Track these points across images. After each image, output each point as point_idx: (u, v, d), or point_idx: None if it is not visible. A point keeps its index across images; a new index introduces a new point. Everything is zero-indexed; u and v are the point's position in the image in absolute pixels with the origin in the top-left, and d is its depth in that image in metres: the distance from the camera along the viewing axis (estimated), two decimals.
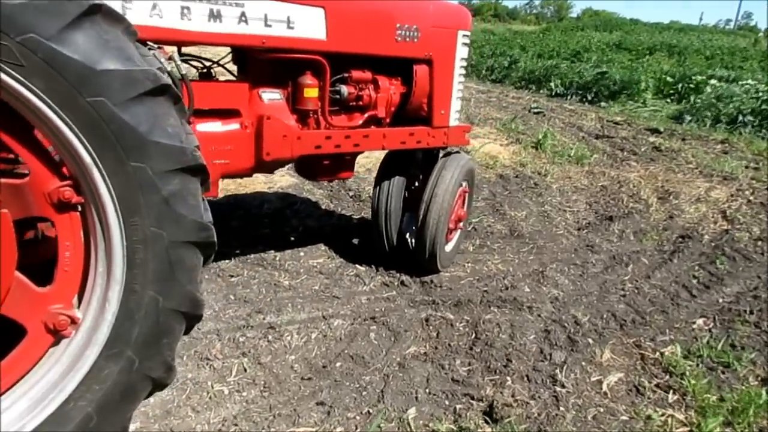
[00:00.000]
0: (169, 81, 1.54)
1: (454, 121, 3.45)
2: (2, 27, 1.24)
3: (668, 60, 18.50)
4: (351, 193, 5.09)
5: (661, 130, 9.53)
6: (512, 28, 39.46)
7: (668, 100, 12.93)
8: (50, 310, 1.61)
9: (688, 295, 3.73)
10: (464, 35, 3.33)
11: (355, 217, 4.59)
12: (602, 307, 3.43)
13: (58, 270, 1.62)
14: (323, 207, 4.68)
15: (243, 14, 2.46)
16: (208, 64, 2.89)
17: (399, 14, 2.96)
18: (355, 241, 4.04)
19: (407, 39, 3.03)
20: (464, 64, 3.42)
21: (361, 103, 3.05)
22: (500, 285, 3.58)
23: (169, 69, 2.30)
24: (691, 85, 12.71)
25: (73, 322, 1.62)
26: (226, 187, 4.76)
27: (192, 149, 1.60)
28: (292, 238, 3.98)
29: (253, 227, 4.08)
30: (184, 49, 2.83)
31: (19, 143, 1.46)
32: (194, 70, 2.89)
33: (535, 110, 10.95)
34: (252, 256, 3.62)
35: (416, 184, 3.64)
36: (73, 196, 1.54)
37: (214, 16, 2.39)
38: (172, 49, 2.41)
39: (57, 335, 1.62)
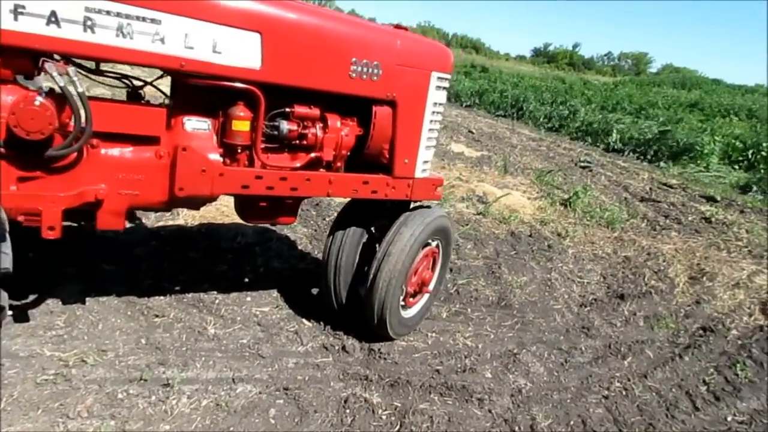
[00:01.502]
0: None
1: (422, 172, 3.05)
2: None
3: (743, 124, 17.26)
4: None
5: (718, 198, 8.70)
6: (585, 78, 38.57)
7: (735, 167, 11.94)
8: None
9: (690, 407, 3.11)
10: (440, 77, 2.94)
11: None
12: (573, 410, 2.87)
13: None
14: (299, 247, 4.34)
15: (158, 32, 2.19)
16: (138, 83, 2.64)
17: (355, 47, 2.62)
18: (315, 291, 3.66)
19: (364, 76, 2.67)
20: (439, 109, 3.03)
21: (304, 142, 2.70)
22: (458, 365, 3.09)
23: (62, 84, 2.08)
24: (763, 153, 11.68)
25: None
26: (205, 214, 4.52)
27: None
28: (246, 279, 3.65)
29: (210, 262, 3.78)
30: (121, 67, 2.61)
31: None
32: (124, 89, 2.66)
33: (583, 164, 10.32)
34: (190, 295, 3.30)
35: (371, 238, 3.25)
36: None
37: (123, 31, 2.14)
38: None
39: None
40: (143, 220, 4.18)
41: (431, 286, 3.35)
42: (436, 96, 2.96)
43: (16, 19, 1.95)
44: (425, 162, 3.06)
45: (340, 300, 3.21)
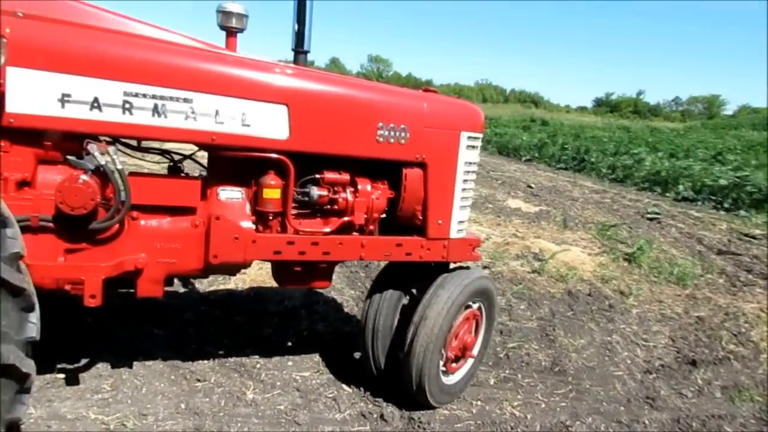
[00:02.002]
0: None
1: (457, 232, 3.01)
2: None
3: None
4: None
5: None
6: (652, 125, 37.39)
7: None
8: None
9: None
10: (471, 137, 2.94)
11: None
12: None
13: None
14: (345, 309, 4.33)
15: (191, 109, 2.34)
16: (177, 158, 2.80)
17: (381, 113, 2.68)
18: (357, 355, 3.61)
19: (392, 140, 2.72)
20: (472, 168, 3.01)
21: (335, 207, 2.75)
22: None
23: (102, 163, 2.24)
24: None
25: None
26: (255, 277, 4.63)
27: None
28: (289, 343, 3.66)
29: (256, 326, 3.83)
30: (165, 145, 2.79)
31: None
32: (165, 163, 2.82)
33: (650, 216, 9.85)
34: (233, 359, 3.35)
35: (410, 301, 3.19)
36: None
37: (158, 111, 2.30)
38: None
39: None
40: (196, 285, 4.33)
41: (474, 351, 3.22)
42: (468, 155, 2.95)
43: (63, 106, 2.14)
44: (460, 222, 3.01)
45: (379, 365, 3.15)
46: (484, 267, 5.62)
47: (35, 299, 1.64)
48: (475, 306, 3.17)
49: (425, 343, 2.83)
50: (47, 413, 2.66)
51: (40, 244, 2.21)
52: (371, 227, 2.87)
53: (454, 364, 3.13)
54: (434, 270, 3.07)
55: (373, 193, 2.80)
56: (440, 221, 2.93)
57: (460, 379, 3.22)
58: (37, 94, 2.11)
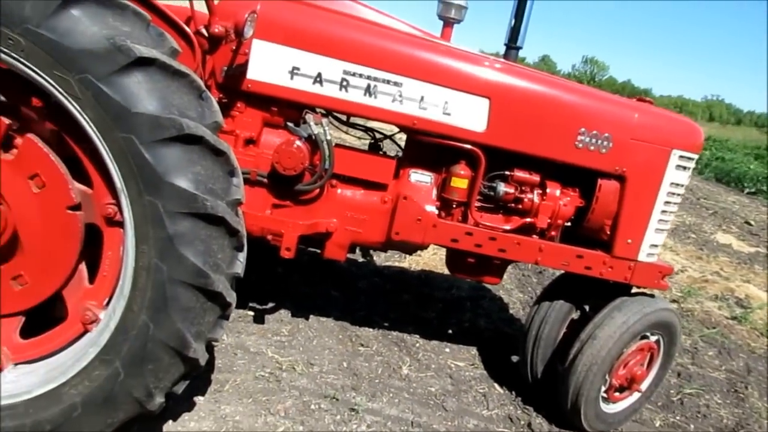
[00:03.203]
0: (201, 133, 1.65)
1: (647, 256, 2.77)
2: (66, 66, 1.53)
3: None
4: None
5: None
6: None
7: None
8: (86, 304, 1.86)
9: None
10: (683, 156, 2.67)
11: None
12: None
13: (99, 273, 1.88)
14: (510, 311, 4.27)
15: (399, 93, 2.49)
16: (378, 136, 3.00)
17: (585, 118, 2.57)
18: (515, 358, 3.55)
19: (591, 147, 2.59)
20: (678, 191, 2.74)
21: (520, 206, 2.72)
22: None
23: (316, 132, 2.51)
24: None
25: (95, 320, 1.85)
26: (429, 261, 4.78)
27: (212, 200, 1.67)
28: (450, 331, 3.73)
29: (420, 307, 3.97)
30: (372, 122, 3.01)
31: (89, 161, 1.76)
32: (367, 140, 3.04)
33: None
34: (395, 333, 3.52)
35: (581, 316, 3.03)
36: (116, 214, 1.78)
37: (370, 91, 2.49)
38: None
39: (83, 327, 1.86)
40: (373, 258, 4.61)
41: (643, 386, 2.96)
42: (676, 176, 2.69)
43: (291, 78, 2.43)
44: (653, 246, 2.77)
45: (535, 373, 3.06)
46: (672, 300, 5.09)
47: (245, 241, 1.91)
48: (653, 338, 2.90)
49: (589, 363, 2.69)
50: (235, 342, 3.08)
51: (253, 196, 2.55)
52: (553, 233, 2.78)
53: (617, 393, 2.92)
54: (613, 290, 2.88)
55: (562, 199, 2.71)
56: (630, 240, 2.72)
57: (621, 411, 2.99)
58: (272, 65, 2.43)
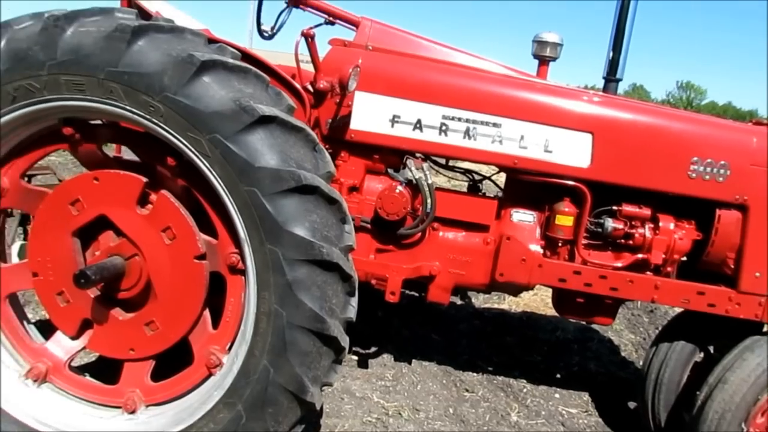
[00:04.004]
0: (317, 183, 1.74)
1: None
2: (198, 127, 1.68)
3: None
4: None
5: None
6: None
7: None
8: (210, 349, 1.97)
9: None
10: None
11: None
12: None
13: (222, 319, 1.99)
14: (622, 353, 4.01)
15: (498, 134, 2.51)
16: (477, 178, 3.00)
17: (697, 146, 2.44)
18: (632, 405, 3.32)
19: (707, 177, 2.45)
20: None
21: (630, 242, 2.59)
22: None
23: (417, 177, 2.56)
24: None
25: (219, 364, 1.95)
26: (529, 303, 4.63)
27: (327, 247, 1.74)
28: (558, 376, 3.56)
29: (525, 350, 3.83)
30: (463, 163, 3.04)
31: (214, 212, 1.90)
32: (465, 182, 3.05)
33: None
34: (500, 378, 3.41)
35: (705, 358, 2.79)
36: (239, 262, 1.89)
37: (469, 134, 2.52)
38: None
39: (208, 371, 1.97)
40: (472, 300, 4.54)
41: None
42: None
43: (392, 126, 2.51)
44: None
45: (658, 421, 2.83)
46: None
47: (357, 286, 1.96)
48: None
49: (721, 411, 2.45)
50: (341, 388, 3.10)
51: (357, 242, 2.60)
52: (669, 269, 2.62)
53: None
54: (741, 328, 2.64)
55: (676, 233, 2.56)
56: (758, 274, 2.51)
57: None
58: (374, 115, 2.53)
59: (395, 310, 3.99)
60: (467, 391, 3.25)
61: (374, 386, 3.17)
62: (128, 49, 1.69)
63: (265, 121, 1.70)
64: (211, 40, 1.89)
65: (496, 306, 4.55)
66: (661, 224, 2.56)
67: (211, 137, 1.69)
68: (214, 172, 1.74)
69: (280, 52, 3.52)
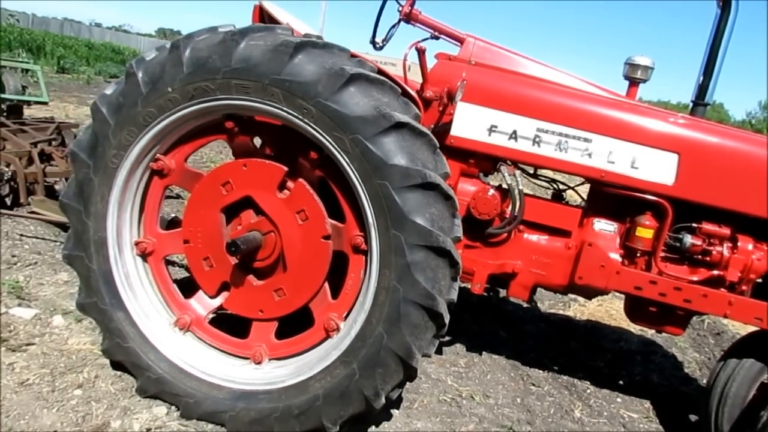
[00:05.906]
0: (438, 181, 2.04)
1: None
2: (343, 128, 2.02)
3: None
4: None
5: None
6: None
7: None
8: (329, 315, 2.31)
9: None
10: None
11: None
12: None
13: (342, 291, 2.32)
14: (685, 370, 4.12)
15: (588, 148, 2.73)
16: (563, 187, 3.23)
17: None
18: (693, 418, 3.46)
19: None
20: None
21: (707, 258, 2.76)
22: None
23: (509, 182, 2.82)
24: None
25: (336, 328, 2.28)
26: (594, 312, 4.79)
27: (442, 236, 2.04)
28: (621, 382, 3.73)
29: (589, 356, 4.02)
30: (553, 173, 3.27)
31: (345, 200, 2.23)
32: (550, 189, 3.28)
33: None
34: (565, 377, 3.62)
35: None
36: (362, 244, 2.22)
37: (561, 146, 2.76)
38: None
39: (326, 333, 2.31)
40: (538, 304, 4.75)
41: None
42: None
43: (489, 135, 2.78)
44: None
45: None
46: None
47: (460, 272, 2.24)
48: None
49: None
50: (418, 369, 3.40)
51: None
52: (743, 287, 2.77)
53: None
54: None
55: (755, 253, 2.71)
56: None
57: None
58: (473, 124, 2.80)
59: (467, 306, 4.26)
60: (533, 385, 3.48)
61: (448, 371, 3.45)
62: (290, 61, 2.05)
63: (399, 126, 2.02)
64: (352, 55, 2.22)
65: (561, 312, 4.74)
66: (739, 244, 2.72)
67: (353, 137, 2.02)
68: (352, 167, 2.07)
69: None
